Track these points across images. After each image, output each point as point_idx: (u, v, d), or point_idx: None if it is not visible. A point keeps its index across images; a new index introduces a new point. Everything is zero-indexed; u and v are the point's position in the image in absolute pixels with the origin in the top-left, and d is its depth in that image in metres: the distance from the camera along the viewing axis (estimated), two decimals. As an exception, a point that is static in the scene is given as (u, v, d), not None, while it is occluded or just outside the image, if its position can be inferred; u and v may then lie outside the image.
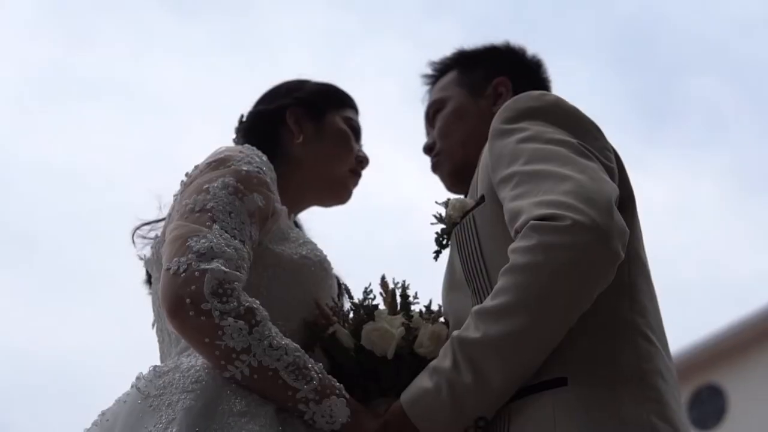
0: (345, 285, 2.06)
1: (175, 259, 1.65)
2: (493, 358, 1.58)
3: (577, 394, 1.60)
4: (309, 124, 2.16)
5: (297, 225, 2.16)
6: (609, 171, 1.75)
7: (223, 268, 1.63)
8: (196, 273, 1.62)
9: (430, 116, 2.22)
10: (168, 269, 1.66)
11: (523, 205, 1.63)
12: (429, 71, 2.29)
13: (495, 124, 1.85)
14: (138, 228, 2.07)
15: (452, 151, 2.14)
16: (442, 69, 2.27)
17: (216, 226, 1.71)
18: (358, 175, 2.22)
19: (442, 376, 1.62)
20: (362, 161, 2.22)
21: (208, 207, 1.74)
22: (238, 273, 1.66)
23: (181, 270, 1.63)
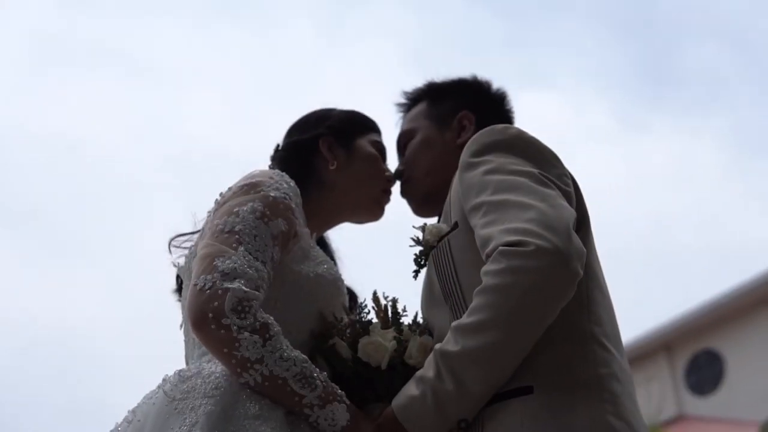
0: (355, 294, 2.32)
1: (203, 276, 1.90)
2: (471, 368, 1.84)
3: (542, 401, 1.85)
4: (341, 150, 2.38)
5: (324, 241, 2.42)
6: (567, 196, 1.99)
7: (243, 287, 1.87)
8: (220, 291, 1.87)
9: (401, 145, 2.47)
10: (195, 285, 1.90)
11: (493, 232, 1.87)
12: (402, 100, 2.53)
13: (464, 157, 2.09)
14: (174, 238, 2.32)
15: (419, 179, 2.39)
16: (413, 99, 2.51)
17: (242, 248, 1.95)
18: (389, 193, 2.44)
19: (428, 384, 1.87)
20: (390, 180, 2.44)
21: (236, 229, 1.98)
22: (256, 292, 1.90)
23: (207, 287, 1.88)
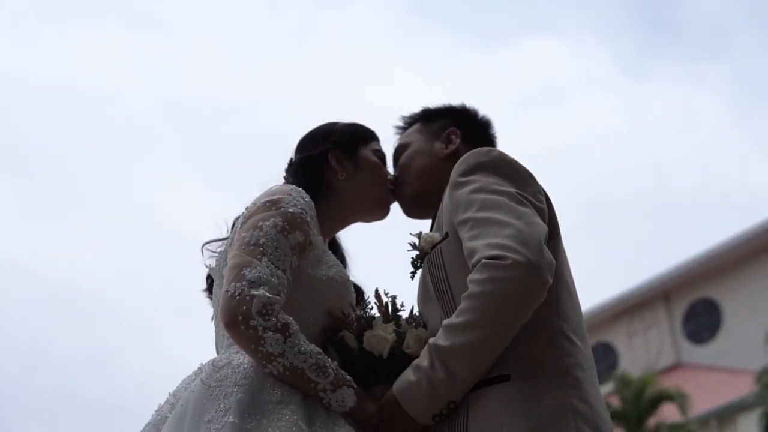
0: (362, 289, 2.67)
1: (233, 284, 2.27)
2: (458, 360, 2.21)
3: (517, 387, 2.23)
4: (347, 162, 2.71)
5: (335, 241, 2.78)
6: (540, 212, 2.36)
7: (267, 294, 2.25)
8: (247, 297, 2.23)
9: (396, 158, 2.81)
10: (227, 291, 2.27)
11: (477, 245, 2.24)
12: (399, 123, 2.87)
13: (453, 176, 2.45)
14: (207, 243, 2.68)
15: (410, 182, 2.74)
16: (409, 122, 2.86)
17: (265, 259, 2.31)
18: (393, 194, 2.77)
19: (423, 372, 2.24)
20: (393, 182, 2.77)
21: (260, 242, 2.34)
22: (278, 297, 2.27)
23: (236, 293, 2.25)
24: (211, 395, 2.18)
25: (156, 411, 2.33)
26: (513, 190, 2.35)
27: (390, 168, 2.82)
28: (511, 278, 2.16)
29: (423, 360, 2.26)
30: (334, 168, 2.70)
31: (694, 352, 33.35)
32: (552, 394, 2.22)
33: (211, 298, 2.62)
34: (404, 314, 2.47)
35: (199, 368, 2.33)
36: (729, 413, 26.36)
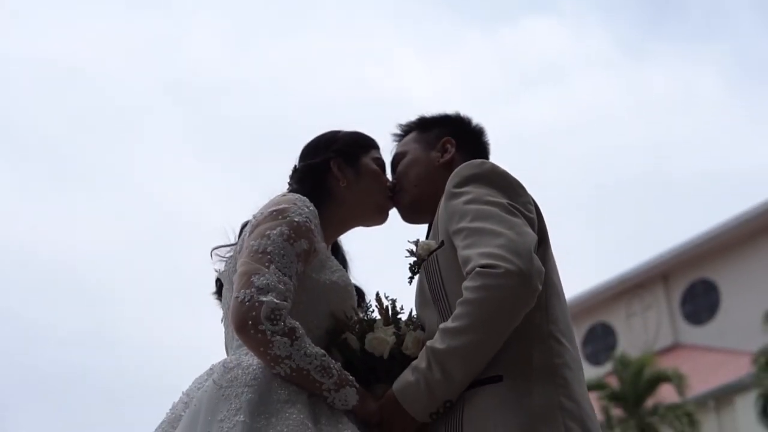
0: (363, 292, 2.82)
1: (243, 290, 2.42)
2: (454, 362, 2.36)
3: (509, 386, 2.38)
4: (349, 170, 2.84)
5: (337, 245, 2.92)
6: (530, 222, 2.50)
7: (275, 300, 2.40)
8: (257, 303, 2.39)
9: (394, 165, 2.94)
10: (237, 297, 2.42)
11: (471, 254, 2.39)
12: (397, 131, 3.00)
13: (448, 187, 2.60)
14: (215, 248, 2.82)
15: (408, 189, 2.87)
16: (406, 130, 2.99)
17: (273, 267, 2.46)
18: (392, 200, 2.91)
19: (420, 373, 2.40)
20: (392, 188, 2.90)
21: (268, 250, 2.48)
22: (285, 302, 2.42)
23: (246, 300, 2.40)
24: (222, 395, 2.33)
25: (170, 409, 2.48)
26: (504, 200, 2.50)
27: (388, 174, 2.95)
28: (503, 286, 2.31)
29: (421, 361, 2.41)
30: (336, 176, 2.83)
31: (692, 333, 33.50)
32: (541, 393, 2.38)
33: (220, 301, 2.75)
34: (403, 316, 2.62)
35: (210, 369, 2.48)
36: (726, 394, 26.49)
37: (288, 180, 2.91)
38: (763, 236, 31.61)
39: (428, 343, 2.42)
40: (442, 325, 2.41)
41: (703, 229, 33.20)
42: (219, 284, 2.78)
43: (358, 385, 2.46)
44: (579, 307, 36.52)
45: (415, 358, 2.46)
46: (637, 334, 34.86)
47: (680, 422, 24.08)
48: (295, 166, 2.92)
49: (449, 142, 2.88)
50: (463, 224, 2.46)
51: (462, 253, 2.43)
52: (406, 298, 2.67)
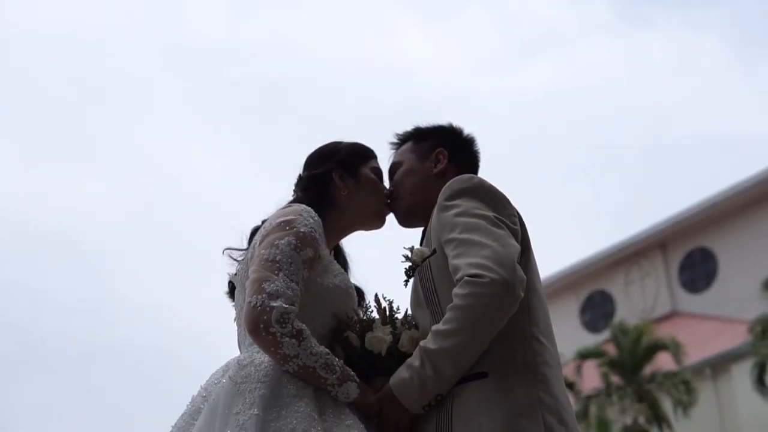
0: (363, 291, 3.08)
1: (255, 296, 2.68)
2: (444, 361, 2.63)
3: (494, 382, 2.66)
4: (350, 180, 3.10)
5: (339, 247, 3.18)
6: (514, 233, 2.77)
7: (284, 305, 2.66)
8: (267, 308, 2.65)
9: (392, 173, 3.20)
10: (249, 302, 2.69)
11: (460, 263, 2.66)
12: (394, 140, 3.25)
13: (440, 200, 2.85)
14: (226, 249, 3.09)
15: (404, 197, 3.12)
16: (403, 139, 3.24)
17: (281, 274, 2.72)
18: (388, 207, 3.17)
19: (414, 370, 2.67)
20: (389, 196, 3.16)
21: (277, 259, 2.74)
22: (293, 306, 2.69)
23: (258, 305, 2.66)
24: (237, 390, 2.61)
25: (190, 402, 2.75)
26: (491, 213, 2.76)
27: (386, 182, 3.20)
28: (488, 294, 2.57)
29: (415, 359, 2.68)
30: (338, 185, 3.08)
31: (689, 301, 33.77)
32: (523, 389, 2.65)
33: (232, 300, 3.01)
34: (399, 316, 2.89)
35: (226, 365, 2.76)
36: (723, 362, 26.72)
37: (293, 188, 3.16)
38: (761, 205, 31.78)
39: (421, 343, 2.69)
40: (434, 327, 2.67)
41: (702, 195, 33.37)
42: (231, 286, 3.03)
43: (358, 380, 2.74)
44: (578, 275, 36.83)
45: (411, 355, 2.73)
46: (636, 301, 35.15)
47: (677, 390, 24.34)
48: (300, 175, 3.17)
49: (442, 153, 3.12)
50: (454, 235, 2.73)
51: (452, 262, 2.70)
52: (401, 298, 2.93)
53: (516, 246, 2.71)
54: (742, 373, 24.61)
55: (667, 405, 24.43)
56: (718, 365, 26.83)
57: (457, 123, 3.20)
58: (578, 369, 25.75)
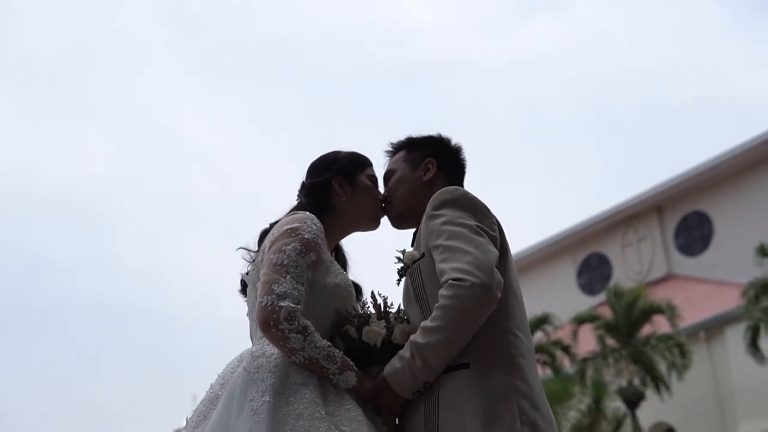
0: (360, 287, 3.44)
1: (265, 297, 3.04)
2: (431, 353, 3.00)
3: (474, 372, 3.02)
4: (348, 187, 3.45)
5: (339, 247, 3.53)
6: (493, 240, 3.12)
7: (291, 304, 3.02)
8: (277, 307, 3.01)
9: (386, 180, 3.55)
10: (261, 302, 3.05)
11: (446, 268, 3.02)
12: (389, 149, 3.59)
13: (428, 209, 3.21)
14: (239, 248, 3.44)
15: (396, 203, 3.48)
16: (396, 148, 3.58)
17: (288, 276, 3.08)
18: (383, 210, 3.51)
19: (405, 361, 3.04)
20: (383, 201, 3.51)
21: (284, 263, 3.10)
22: (299, 306, 3.05)
23: (268, 305, 3.03)
24: (251, 379, 2.98)
25: (209, 389, 3.13)
26: (473, 222, 3.11)
27: (381, 187, 3.54)
28: (469, 296, 2.93)
29: (406, 351, 3.05)
30: (337, 192, 3.44)
31: (685, 264, 34.10)
32: (500, 377, 3.02)
33: (245, 297, 3.37)
34: (393, 310, 3.25)
35: (240, 356, 3.14)
36: (717, 325, 27.01)
37: (297, 193, 3.51)
38: (757, 169, 32.02)
39: (412, 337, 3.06)
40: (422, 324, 3.04)
41: (701, 157, 33.58)
42: (243, 284, 3.39)
43: (357, 369, 3.10)
44: (575, 237, 37.17)
45: (402, 346, 3.10)
46: (632, 264, 35.51)
47: (671, 353, 24.68)
48: (303, 182, 3.52)
49: (431, 163, 3.47)
50: (440, 242, 3.09)
51: (439, 266, 3.06)
52: (394, 293, 3.29)
53: (494, 252, 3.05)
54: (736, 336, 24.94)
55: (662, 367, 24.78)
56: (713, 328, 27.14)
57: (445, 134, 3.56)
58: (574, 333, 26.10)
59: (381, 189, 3.55)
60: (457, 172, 3.51)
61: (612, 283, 30.57)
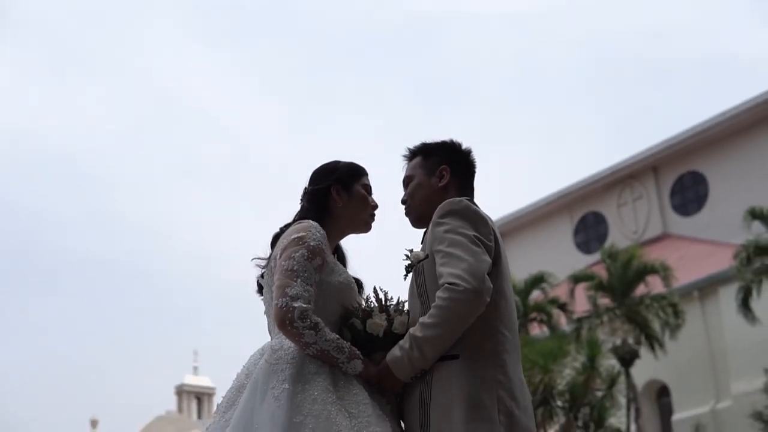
0: (361, 282, 3.87)
1: (280, 299, 3.48)
2: (427, 345, 3.43)
3: (464, 363, 3.46)
4: (345, 194, 3.85)
5: (339, 246, 3.94)
6: (488, 249, 3.53)
7: (303, 305, 3.46)
8: (291, 308, 3.45)
9: (406, 184, 3.94)
10: (277, 304, 3.48)
11: (443, 272, 3.44)
12: (406, 153, 3.97)
13: (435, 217, 3.62)
14: (254, 258, 3.87)
15: (415, 207, 3.88)
16: (413, 153, 3.96)
17: (299, 280, 3.51)
18: (374, 216, 3.93)
19: (404, 351, 3.48)
20: (375, 207, 3.93)
21: (294, 268, 3.53)
22: (310, 305, 3.49)
23: (283, 306, 3.46)
24: (272, 370, 3.43)
25: (235, 379, 3.57)
26: (472, 232, 3.51)
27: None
28: (462, 299, 3.36)
29: (405, 342, 3.48)
30: (335, 198, 3.85)
31: (680, 224, 34.41)
32: (485, 370, 3.45)
33: (261, 296, 3.81)
34: (393, 303, 3.70)
35: (261, 349, 3.59)
36: (711, 284, 27.39)
37: (300, 198, 3.93)
38: (752, 131, 32.26)
39: (411, 330, 3.49)
40: (421, 319, 3.47)
41: (698, 116, 33.80)
42: (259, 285, 3.82)
43: (362, 357, 3.54)
44: (572, 196, 37.50)
45: (402, 335, 3.54)
46: (628, 223, 35.86)
47: (665, 312, 25.07)
48: (305, 188, 3.93)
49: (445, 170, 3.85)
50: (441, 248, 3.51)
51: (438, 269, 3.49)
52: (400, 285, 3.70)
53: (487, 261, 3.47)
54: (729, 296, 25.42)
55: (656, 326, 25.25)
56: (706, 288, 27.55)
57: (457, 140, 3.94)
58: (571, 292, 26.48)
59: (375, 197, 3.95)
60: (468, 174, 3.89)
61: (608, 242, 30.93)
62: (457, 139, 3.94)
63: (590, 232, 37.42)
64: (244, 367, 3.59)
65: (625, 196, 36.36)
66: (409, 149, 3.98)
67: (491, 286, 3.42)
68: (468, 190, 3.85)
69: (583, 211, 37.76)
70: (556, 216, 38.19)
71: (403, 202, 3.92)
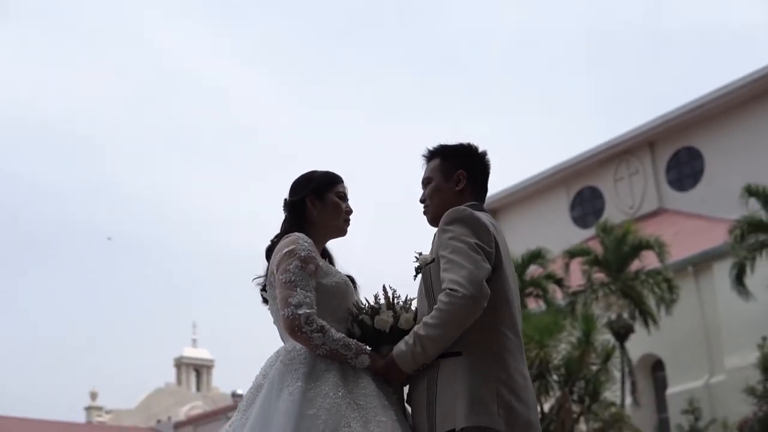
0: (354, 279, 4.13)
1: (286, 309, 3.76)
2: (429, 343, 3.69)
3: (465, 359, 3.71)
4: (318, 203, 4.13)
5: (326, 249, 4.22)
6: (488, 256, 3.76)
7: (307, 310, 3.75)
8: (296, 316, 3.73)
9: (424, 185, 4.17)
10: (284, 315, 3.77)
11: (445, 277, 3.70)
12: (425, 154, 4.19)
13: (441, 223, 3.87)
14: (256, 278, 4.16)
15: (433, 209, 4.11)
16: (432, 154, 4.18)
17: (298, 289, 3.79)
18: (348, 222, 4.21)
19: (409, 346, 3.73)
20: (349, 212, 4.21)
21: (292, 279, 3.81)
22: (312, 310, 3.77)
23: (290, 315, 3.75)
24: (287, 370, 3.71)
25: (254, 380, 3.84)
26: (473, 240, 3.75)
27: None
28: (460, 304, 3.62)
29: (410, 338, 3.74)
30: (310, 208, 4.13)
31: (676, 199, 34.56)
32: (486, 366, 3.70)
33: (267, 306, 4.09)
34: (400, 300, 3.96)
35: (277, 352, 3.86)
36: (705, 260, 27.50)
37: (282, 207, 4.19)
38: (749, 106, 32.34)
39: (415, 328, 3.75)
40: (424, 319, 3.73)
41: (697, 90, 33.85)
42: (264, 299, 4.11)
43: (369, 351, 3.81)
44: (569, 171, 37.64)
45: (407, 331, 3.80)
46: (624, 198, 36.03)
47: (660, 288, 25.25)
48: (285, 199, 4.20)
49: (462, 175, 4.08)
50: (445, 253, 3.76)
51: (441, 274, 3.75)
52: (408, 283, 3.97)
53: (486, 268, 3.71)
54: (723, 272, 25.50)
55: (651, 301, 25.42)
56: (701, 263, 27.63)
57: (474, 143, 4.17)
58: (566, 266, 26.67)
59: (350, 203, 4.22)
60: (483, 177, 4.13)
61: (604, 217, 31.09)
62: (474, 142, 4.16)
63: (587, 207, 37.57)
64: (261, 369, 3.87)
65: (621, 171, 36.47)
66: (428, 149, 4.20)
67: (489, 292, 3.66)
68: (482, 192, 4.10)
69: (580, 185, 37.89)
70: (553, 190, 38.33)
71: (422, 201, 4.16)
